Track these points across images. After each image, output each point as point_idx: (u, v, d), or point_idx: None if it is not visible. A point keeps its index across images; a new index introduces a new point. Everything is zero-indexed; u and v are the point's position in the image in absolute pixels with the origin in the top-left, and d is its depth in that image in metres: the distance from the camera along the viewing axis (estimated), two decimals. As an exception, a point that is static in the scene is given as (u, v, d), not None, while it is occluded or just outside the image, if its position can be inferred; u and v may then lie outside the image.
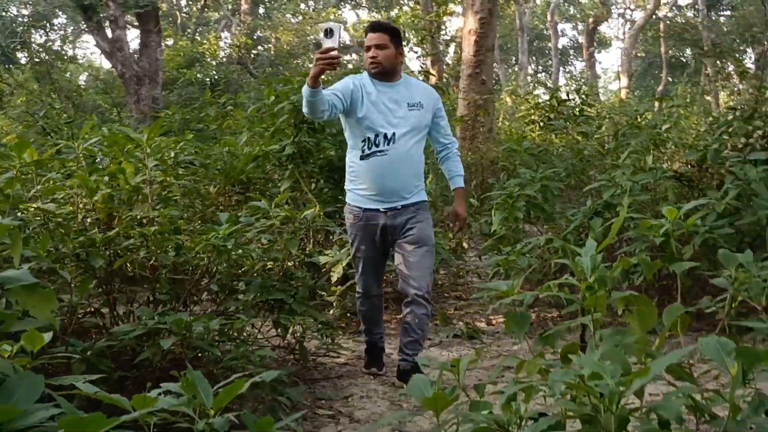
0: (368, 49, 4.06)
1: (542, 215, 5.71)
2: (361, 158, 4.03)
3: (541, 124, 8.70)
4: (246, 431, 1.72)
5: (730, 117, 5.56)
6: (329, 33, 3.63)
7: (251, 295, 3.73)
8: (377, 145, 3.99)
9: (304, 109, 3.81)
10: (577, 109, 8.02)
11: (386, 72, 4.06)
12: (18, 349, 1.74)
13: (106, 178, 3.72)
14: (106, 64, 26.18)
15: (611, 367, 1.69)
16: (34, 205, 3.47)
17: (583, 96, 8.32)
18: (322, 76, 3.67)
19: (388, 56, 4.04)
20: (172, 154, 4.25)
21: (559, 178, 6.06)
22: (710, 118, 7.22)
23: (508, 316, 2.51)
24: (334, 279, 5.27)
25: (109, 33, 16.72)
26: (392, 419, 2.55)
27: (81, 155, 3.90)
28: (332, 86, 4.00)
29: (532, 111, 9.40)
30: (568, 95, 8.30)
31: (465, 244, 6.62)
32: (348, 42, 38.65)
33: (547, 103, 8.29)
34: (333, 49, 3.57)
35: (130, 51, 17.17)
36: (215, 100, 11.20)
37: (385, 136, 3.98)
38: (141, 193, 3.70)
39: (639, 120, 6.84)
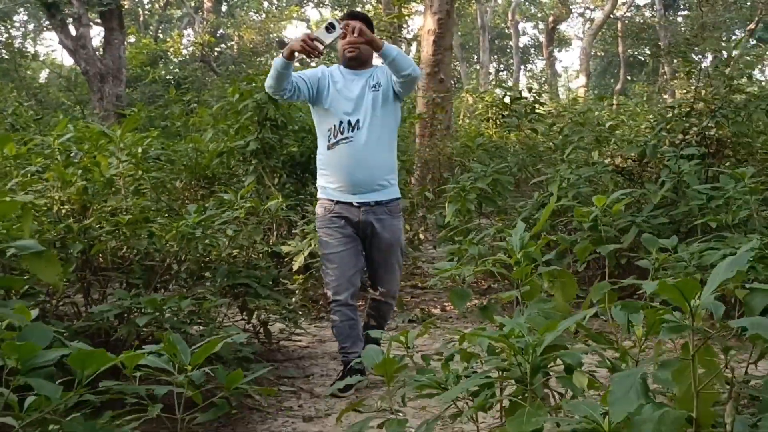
0: (345, 36, 3.98)
1: (494, 207, 6.05)
2: (328, 148, 3.99)
3: (497, 121, 9.10)
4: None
5: (669, 115, 5.94)
6: (331, 28, 3.77)
7: (218, 280, 4.00)
8: (342, 133, 3.95)
9: (269, 81, 3.86)
10: (529, 108, 8.42)
11: (361, 59, 4.07)
12: (6, 325, 2.00)
13: (80, 171, 3.97)
14: (68, 61, 26.07)
15: (527, 325, 2.00)
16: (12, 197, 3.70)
17: (534, 95, 8.73)
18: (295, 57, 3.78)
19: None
20: (140, 150, 4.44)
21: (510, 172, 6.41)
22: (651, 116, 7.60)
23: (452, 291, 2.83)
24: (295, 267, 5.55)
25: (72, 31, 16.73)
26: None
27: (56, 150, 4.12)
28: (302, 71, 4.04)
29: (488, 109, 9.79)
30: (520, 94, 8.67)
31: (421, 236, 6.95)
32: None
33: (501, 101, 8.69)
34: (323, 42, 3.70)
35: (94, 49, 17.18)
36: (180, 97, 11.39)
37: (350, 122, 3.95)
38: (114, 185, 3.95)
39: (584, 118, 7.22)
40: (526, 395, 1.94)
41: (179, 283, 4.21)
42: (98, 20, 19.00)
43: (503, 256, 2.63)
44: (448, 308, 5.94)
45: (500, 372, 1.98)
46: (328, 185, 4.06)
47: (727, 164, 5.37)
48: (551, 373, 2.12)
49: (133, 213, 3.63)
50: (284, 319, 4.60)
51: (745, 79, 6.51)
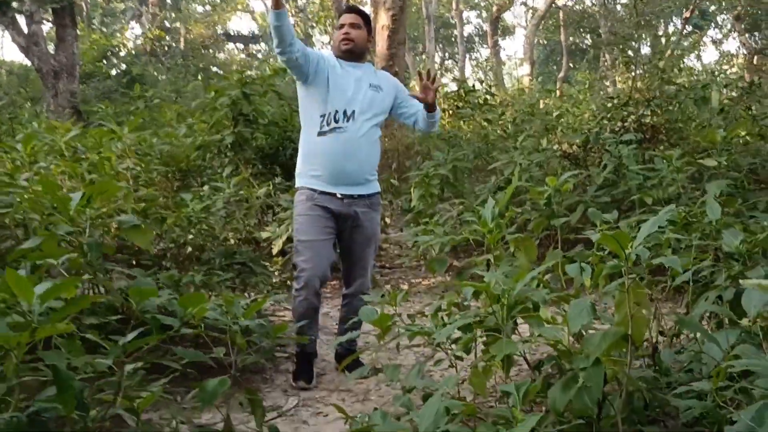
0: (342, 26, 4.07)
1: (454, 192, 6.62)
2: (319, 134, 3.93)
3: (450, 112, 9.71)
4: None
5: (609, 105, 6.60)
6: None
7: (217, 260, 4.49)
8: (336, 121, 3.91)
9: (275, 43, 3.78)
10: (482, 99, 9.04)
11: (356, 52, 4.07)
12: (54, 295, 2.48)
13: (84, 165, 4.42)
14: (17, 58, 25.87)
15: (503, 277, 2.56)
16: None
17: (486, 87, 9.35)
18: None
19: (361, 36, 4.08)
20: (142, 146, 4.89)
21: (467, 159, 7.00)
22: (593, 106, 8.28)
23: (431, 260, 3.39)
24: (275, 251, 6.05)
25: (24, 28, 16.81)
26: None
27: (63, 147, 4.55)
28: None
29: (442, 100, 10.37)
30: (473, 86, 9.30)
31: (387, 220, 7.50)
32: (256, 32, 38.97)
33: (455, 93, 9.31)
34: None
35: (47, 46, 17.28)
36: (143, 94, 11.74)
37: (345, 113, 3.92)
38: (121, 177, 4.41)
39: (532, 108, 7.87)
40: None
41: (183, 264, 4.68)
42: (49, 17, 19.06)
43: (475, 228, 3.19)
44: (415, 284, 6.51)
45: (478, 319, 2.52)
46: (311, 172, 3.99)
47: (661, 148, 6.03)
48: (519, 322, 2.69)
49: (144, 201, 4.10)
50: (272, 295, 5.09)
51: (676, 71, 7.19)
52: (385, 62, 10.80)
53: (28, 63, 18.79)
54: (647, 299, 2.22)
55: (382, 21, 10.98)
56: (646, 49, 37.21)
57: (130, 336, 2.07)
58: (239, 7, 40.45)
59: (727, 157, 4.55)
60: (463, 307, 2.94)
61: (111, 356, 2.08)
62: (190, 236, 4.58)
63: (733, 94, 6.32)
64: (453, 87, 11.19)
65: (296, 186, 4.11)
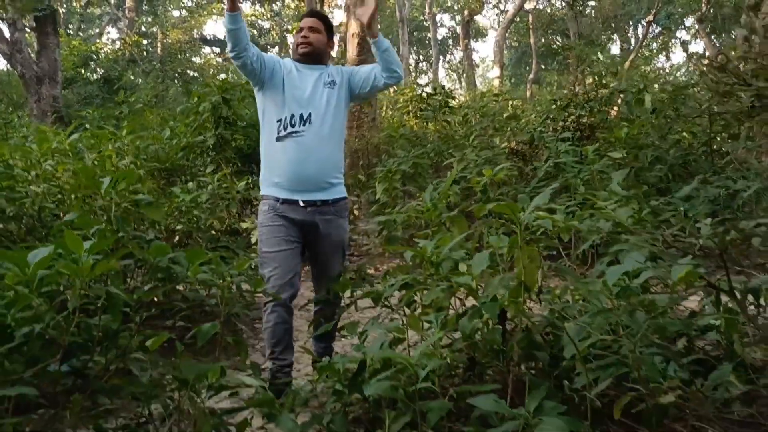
0: (301, 30, 4.00)
1: (416, 186, 7.36)
2: (277, 140, 3.85)
3: (416, 114, 10.47)
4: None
5: (553, 107, 7.37)
6: None
7: (204, 244, 5.18)
8: (293, 126, 3.82)
9: (228, 46, 3.76)
10: (442, 102, 9.81)
11: (314, 55, 3.98)
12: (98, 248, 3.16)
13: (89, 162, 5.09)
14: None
15: (436, 246, 3.28)
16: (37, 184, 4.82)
17: (446, 91, 10.14)
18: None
19: (319, 39, 3.99)
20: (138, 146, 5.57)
21: (428, 157, 7.74)
22: (538, 107, 9.08)
23: (387, 238, 4.11)
24: (253, 240, 6.74)
25: (7, 35, 17.35)
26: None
27: (67, 147, 5.23)
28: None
29: (408, 103, 11.13)
30: (434, 90, 10.07)
31: (356, 212, 8.22)
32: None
33: (420, 96, 10.08)
34: None
35: (30, 52, 17.82)
36: (126, 99, 12.38)
37: (301, 116, 3.83)
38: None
39: (483, 111, 8.66)
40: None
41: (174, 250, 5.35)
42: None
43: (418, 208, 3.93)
44: (379, 270, 7.23)
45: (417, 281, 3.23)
46: (272, 179, 3.90)
47: (596, 144, 6.81)
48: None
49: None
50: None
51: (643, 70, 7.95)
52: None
53: (5, 68, 19.34)
54: (537, 254, 2.95)
55: (353, 29, 11.70)
56: (615, 50, 38.23)
57: (147, 288, 2.77)
58: (215, 11, 40.93)
59: (628, 151, 5.33)
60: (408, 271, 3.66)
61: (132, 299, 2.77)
62: (179, 226, 5.27)
63: (664, 96, 7.08)
64: (427, 88, 11.92)
65: (261, 194, 3.99)
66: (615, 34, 39.73)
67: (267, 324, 3.82)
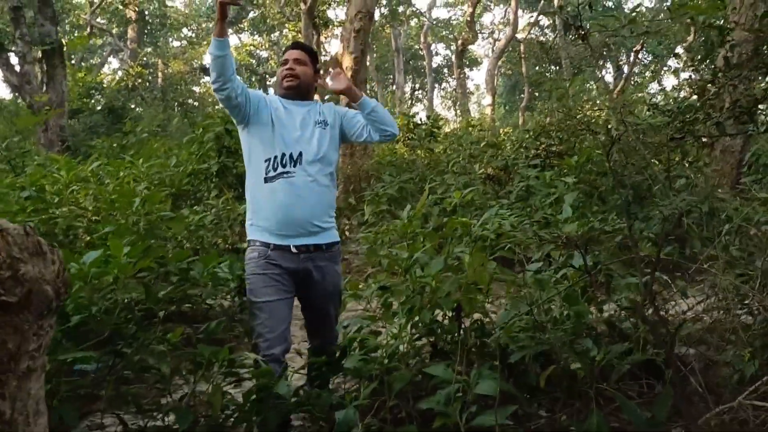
0: (286, 62, 3.79)
1: (400, 208, 8.07)
2: (266, 181, 3.57)
3: (404, 142, 11.27)
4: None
5: (526, 136, 8.12)
6: None
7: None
8: (284, 166, 3.57)
9: (212, 77, 3.51)
10: (427, 131, 10.60)
11: (300, 88, 3.76)
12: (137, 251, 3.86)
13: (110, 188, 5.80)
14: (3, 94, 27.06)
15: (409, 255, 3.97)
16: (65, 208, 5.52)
17: (431, 121, 10.94)
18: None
19: (306, 72, 3.78)
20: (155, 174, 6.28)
21: (412, 182, 8.47)
22: (513, 137, 9.85)
23: (368, 250, 4.79)
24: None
25: (17, 68, 18.17)
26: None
27: (89, 174, 5.93)
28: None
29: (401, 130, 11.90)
30: (420, 120, 10.88)
31: (347, 233, 8.92)
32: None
33: (407, 126, 10.89)
34: None
35: (38, 83, 18.62)
36: (134, 128, 13.16)
37: (291, 156, 3.58)
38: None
39: (459, 141, 9.42)
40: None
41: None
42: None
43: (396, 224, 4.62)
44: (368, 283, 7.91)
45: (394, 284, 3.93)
46: (261, 223, 3.61)
47: (552, 171, 7.53)
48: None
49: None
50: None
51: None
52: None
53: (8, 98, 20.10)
54: (486, 259, 3.64)
55: (347, 63, 12.49)
56: (609, 77, 39.14)
57: (169, 288, 3.46)
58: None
59: (577, 177, 6.05)
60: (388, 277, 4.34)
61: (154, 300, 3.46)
62: (188, 244, 5.96)
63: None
64: (422, 115, 12.71)
65: (248, 238, 3.73)
66: (607, 63, 40.61)
67: None
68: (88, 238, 5.14)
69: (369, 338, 3.28)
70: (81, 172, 6.04)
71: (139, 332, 3.23)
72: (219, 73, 3.45)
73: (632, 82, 34.24)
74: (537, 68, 40.58)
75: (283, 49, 4.00)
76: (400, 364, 3.35)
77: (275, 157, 3.57)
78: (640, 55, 34.62)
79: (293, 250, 3.54)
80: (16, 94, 19.06)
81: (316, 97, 3.94)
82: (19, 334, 1.88)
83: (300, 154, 3.60)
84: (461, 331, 3.68)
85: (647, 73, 41.52)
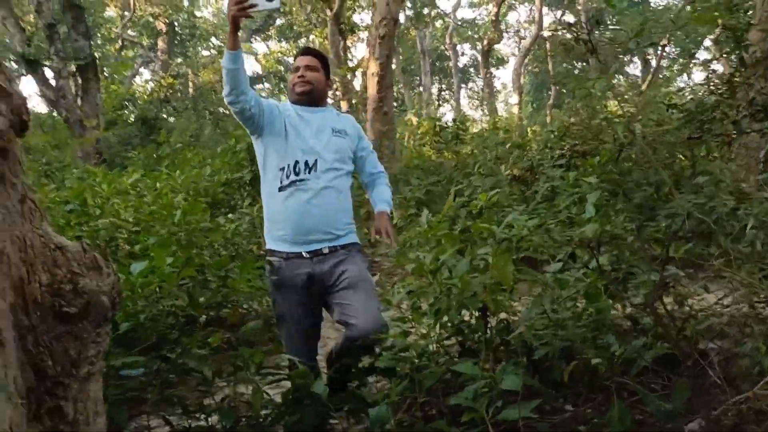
0: (297, 69, 3.76)
1: (430, 211, 8.25)
2: (280, 189, 3.54)
3: (431, 145, 11.44)
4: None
5: (552, 137, 8.23)
6: None
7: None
8: (297, 174, 3.53)
9: (225, 89, 3.43)
10: (453, 134, 10.77)
11: (313, 94, 3.74)
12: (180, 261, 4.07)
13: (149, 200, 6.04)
14: (37, 109, 27.65)
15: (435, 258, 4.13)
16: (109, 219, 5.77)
17: (458, 124, 11.10)
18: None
19: (318, 79, 3.76)
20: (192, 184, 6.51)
21: (440, 185, 8.63)
22: (539, 137, 9.96)
23: (398, 254, 4.95)
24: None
25: (52, 82, 18.64)
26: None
27: (129, 187, 6.18)
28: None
29: (425, 135, 12.07)
30: (446, 123, 11.05)
31: (377, 236, 9.09)
32: (260, 72, 40.90)
33: (433, 129, 11.07)
34: (255, 5, 3.33)
35: (74, 98, 19.07)
36: (168, 139, 13.49)
37: (306, 163, 3.55)
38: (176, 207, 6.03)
39: (485, 143, 9.57)
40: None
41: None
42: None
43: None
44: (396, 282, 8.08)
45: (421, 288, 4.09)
46: (276, 232, 3.62)
47: (576, 171, 7.61)
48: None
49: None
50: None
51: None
52: (376, 104, 12.48)
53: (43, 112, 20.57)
54: (510, 260, 3.79)
55: (372, 69, 12.68)
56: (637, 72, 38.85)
57: (209, 294, 3.67)
58: (243, 49, 42.17)
59: (600, 176, 6.12)
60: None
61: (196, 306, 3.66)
62: (224, 252, 6.18)
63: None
64: (448, 117, 12.90)
65: (266, 248, 3.75)
66: (635, 57, 40.35)
67: None
68: (129, 248, 5.38)
69: (399, 338, 3.45)
70: (120, 185, 6.29)
71: (182, 337, 3.43)
72: (232, 86, 3.40)
73: (660, 76, 34.05)
74: (564, 65, 40.54)
75: (296, 54, 3.98)
76: (429, 362, 3.52)
77: (288, 165, 3.55)
78: (667, 50, 34.41)
79: (305, 255, 3.52)
80: (52, 108, 19.54)
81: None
82: (79, 342, 2.07)
83: (315, 161, 3.58)
84: (487, 330, 3.83)
85: (675, 67, 41.19)
